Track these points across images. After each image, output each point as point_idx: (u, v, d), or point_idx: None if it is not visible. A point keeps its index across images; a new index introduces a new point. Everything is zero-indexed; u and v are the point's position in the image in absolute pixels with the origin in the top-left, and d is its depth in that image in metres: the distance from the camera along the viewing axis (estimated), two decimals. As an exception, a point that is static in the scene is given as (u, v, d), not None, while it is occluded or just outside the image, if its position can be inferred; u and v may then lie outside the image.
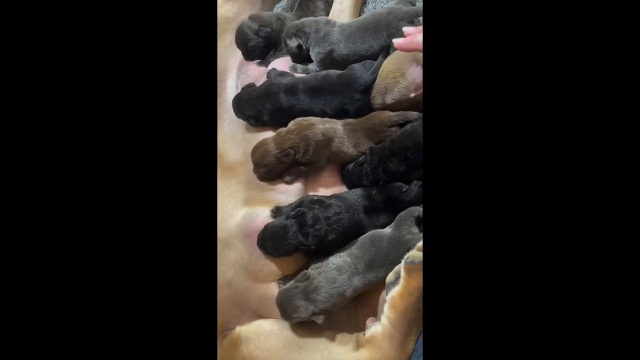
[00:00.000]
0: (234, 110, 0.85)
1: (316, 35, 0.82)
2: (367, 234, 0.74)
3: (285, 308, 0.70)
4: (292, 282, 0.72)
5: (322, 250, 0.75)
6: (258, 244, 0.74)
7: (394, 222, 0.73)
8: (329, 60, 0.82)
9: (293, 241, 0.71)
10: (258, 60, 0.90)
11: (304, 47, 0.83)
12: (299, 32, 0.83)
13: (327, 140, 0.77)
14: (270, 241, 0.73)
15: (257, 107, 0.81)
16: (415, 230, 0.70)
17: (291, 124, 0.79)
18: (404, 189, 0.74)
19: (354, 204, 0.75)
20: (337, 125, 0.78)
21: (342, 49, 0.81)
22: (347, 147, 0.78)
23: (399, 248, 0.70)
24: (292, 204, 0.77)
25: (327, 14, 0.95)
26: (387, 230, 0.73)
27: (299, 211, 0.72)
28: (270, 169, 0.78)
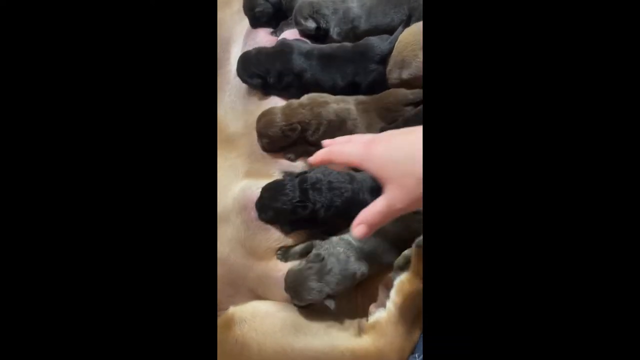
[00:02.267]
0: (238, 70, 0.79)
1: (335, 15, 0.78)
2: None
3: (298, 290, 0.66)
4: (303, 262, 0.67)
5: (323, 227, 0.71)
6: (256, 205, 0.70)
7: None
8: (352, 36, 0.78)
9: (290, 194, 0.68)
10: (268, 30, 0.85)
11: (322, 27, 0.79)
12: (315, 14, 0.78)
13: (340, 121, 0.73)
14: (267, 193, 0.69)
15: (265, 65, 0.76)
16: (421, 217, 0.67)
17: (305, 97, 0.74)
18: None
19: (360, 182, 0.71)
20: (350, 105, 0.74)
21: (363, 25, 0.77)
22: (360, 129, 0.73)
23: (405, 232, 0.66)
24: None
25: None
26: None
27: (300, 172, 0.70)
28: (273, 140, 0.74)
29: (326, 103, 0.73)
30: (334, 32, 0.79)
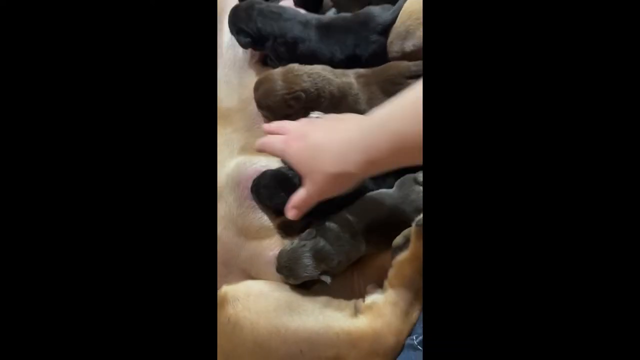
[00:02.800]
0: (228, 21, 0.73)
1: None
2: (369, 193, 0.67)
3: (293, 268, 0.64)
4: (295, 241, 0.65)
5: (320, 211, 0.68)
6: (252, 190, 0.67)
7: (396, 184, 0.67)
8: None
9: (293, 191, 0.64)
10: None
11: None
12: None
13: (342, 96, 0.69)
14: (267, 188, 0.66)
15: (257, 23, 0.70)
16: (420, 189, 0.65)
17: (308, 66, 0.69)
18: None
19: None
20: (351, 79, 0.70)
21: None
22: (361, 104, 0.70)
23: (405, 207, 0.64)
24: None
25: None
26: (390, 190, 0.67)
27: None
28: (274, 110, 0.69)
29: (330, 78, 0.69)
30: None
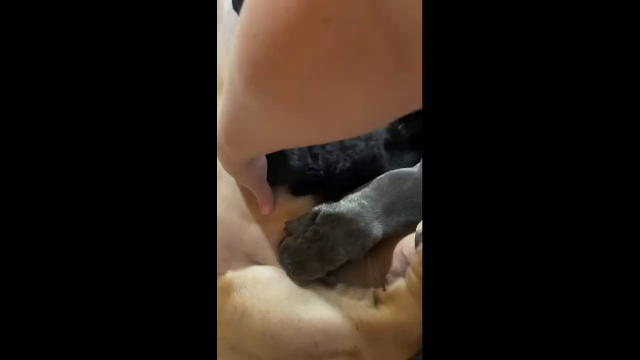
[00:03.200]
0: (234, 1, 0.68)
1: None
2: (385, 174, 0.62)
3: (297, 271, 0.60)
4: (300, 239, 0.60)
5: (331, 191, 0.63)
6: None
7: (419, 164, 0.62)
8: None
9: (299, 162, 0.59)
10: None
11: None
12: None
13: None
14: (272, 160, 0.60)
15: None
16: None
17: None
18: None
19: (374, 136, 0.62)
20: None
21: None
22: None
23: (421, 187, 0.60)
24: None
25: None
26: (414, 169, 0.62)
27: None
28: None
29: None
30: None
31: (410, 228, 0.61)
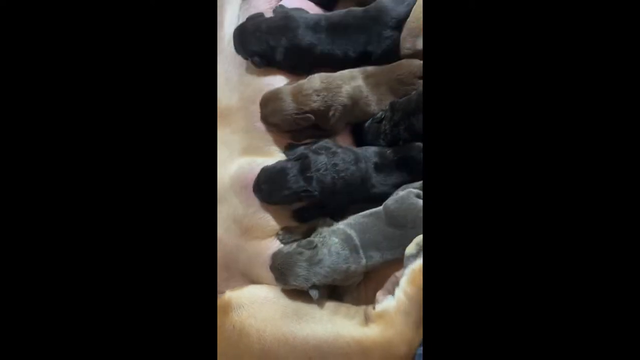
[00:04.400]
0: (235, 44, 0.71)
1: None
2: (369, 210, 0.66)
3: (284, 273, 0.62)
4: (295, 245, 0.63)
5: (327, 208, 0.66)
6: (254, 189, 0.65)
7: (395, 197, 0.65)
8: None
9: (293, 185, 0.62)
10: None
11: None
12: None
13: (354, 103, 0.67)
14: (267, 184, 0.64)
15: (268, 41, 0.68)
16: (420, 202, 0.62)
17: (317, 80, 0.66)
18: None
19: (364, 158, 0.66)
20: (359, 82, 0.67)
21: None
22: (372, 107, 0.68)
23: (405, 224, 0.62)
24: (297, 151, 0.67)
25: None
26: (390, 204, 0.65)
27: (303, 154, 0.64)
28: (281, 127, 0.67)
29: (340, 87, 0.66)
30: None
31: (397, 262, 0.64)
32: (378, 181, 0.66)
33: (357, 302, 0.66)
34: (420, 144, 0.65)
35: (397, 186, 0.66)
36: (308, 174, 0.62)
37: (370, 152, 0.67)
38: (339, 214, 0.67)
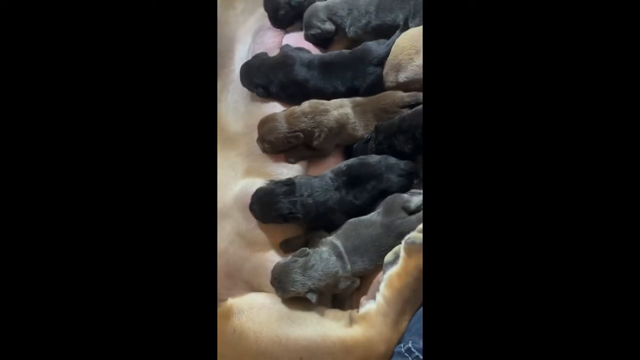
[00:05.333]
0: (241, 78, 0.83)
1: (350, 15, 0.82)
2: (350, 220, 0.73)
3: (282, 281, 0.69)
4: (290, 257, 0.71)
5: (322, 225, 0.74)
6: (249, 207, 0.74)
7: (381, 209, 0.72)
8: (361, 33, 0.82)
9: (280, 208, 0.71)
10: (276, 31, 0.89)
11: (341, 28, 0.83)
12: (333, 17, 0.83)
13: (340, 127, 0.76)
14: (257, 205, 0.72)
15: (268, 76, 0.79)
16: (405, 214, 0.70)
17: (307, 105, 0.77)
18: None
19: (346, 187, 0.73)
20: (348, 109, 0.77)
21: (373, 21, 0.80)
22: (359, 131, 0.77)
23: (390, 234, 0.69)
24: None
25: None
26: (375, 216, 0.72)
27: (290, 180, 0.73)
28: (275, 145, 0.77)
29: (327, 111, 0.76)
30: (350, 31, 0.82)
31: (374, 269, 0.70)
32: (352, 199, 0.73)
33: (346, 306, 0.72)
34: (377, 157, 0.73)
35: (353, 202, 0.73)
36: (292, 198, 0.71)
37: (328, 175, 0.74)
38: (331, 228, 0.75)
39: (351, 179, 0.73)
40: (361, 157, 0.75)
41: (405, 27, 0.77)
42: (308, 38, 0.85)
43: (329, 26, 0.82)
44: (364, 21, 0.81)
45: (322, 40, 0.85)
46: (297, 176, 0.75)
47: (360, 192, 0.73)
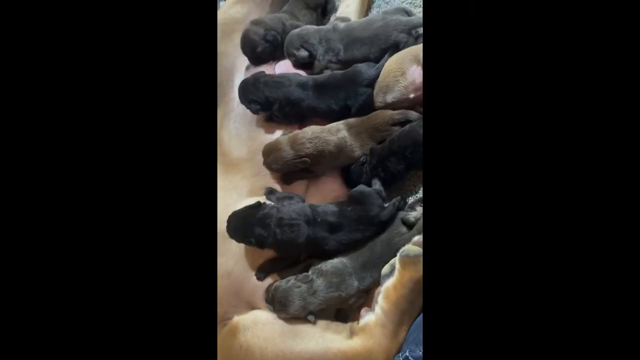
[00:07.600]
0: (239, 94, 0.87)
1: (321, 45, 0.87)
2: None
3: (285, 304, 0.72)
4: (292, 280, 0.74)
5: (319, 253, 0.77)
6: (226, 230, 0.77)
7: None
8: (335, 61, 0.86)
9: (253, 231, 0.74)
10: (269, 66, 0.93)
11: (313, 54, 0.87)
12: (305, 44, 0.87)
13: (339, 151, 0.80)
14: (232, 229, 0.76)
15: (265, 93, 0.83)
16: (404, 230, 0.73)
17: (309, 131, 0.81)
18: (383, 208, 0.74)
19: (321, 214, 0.75)
20: (344, 133, 0.80)
21: (342, 55, 0.85)
22: (356, 151, 0.81)
23: (390, 249, 0.72)
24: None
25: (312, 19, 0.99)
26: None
27: (259, 204, 0.76)
28: (282, 171, 0.82)
29: (327, 137, 0.80)
30: (321, 59, 0.87)
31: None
32: (331, 240, 0.75)
33: (344, 320, 0.75)
34: (380, 203, 0.75)
35: (350, 245, 0.75)
36: (266, 222, 0.73)
37: (329, 209, 0.76)
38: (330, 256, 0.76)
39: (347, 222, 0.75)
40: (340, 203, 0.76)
41: (395, 50, 0.81)
42: (294, 64, 0.90)
43: (303, 53, 0.87)
44: (333, 53, 0.85)
45: (304, 65, 0.90)
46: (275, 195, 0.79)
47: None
